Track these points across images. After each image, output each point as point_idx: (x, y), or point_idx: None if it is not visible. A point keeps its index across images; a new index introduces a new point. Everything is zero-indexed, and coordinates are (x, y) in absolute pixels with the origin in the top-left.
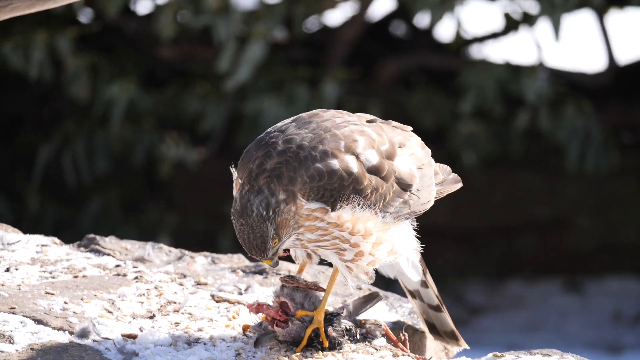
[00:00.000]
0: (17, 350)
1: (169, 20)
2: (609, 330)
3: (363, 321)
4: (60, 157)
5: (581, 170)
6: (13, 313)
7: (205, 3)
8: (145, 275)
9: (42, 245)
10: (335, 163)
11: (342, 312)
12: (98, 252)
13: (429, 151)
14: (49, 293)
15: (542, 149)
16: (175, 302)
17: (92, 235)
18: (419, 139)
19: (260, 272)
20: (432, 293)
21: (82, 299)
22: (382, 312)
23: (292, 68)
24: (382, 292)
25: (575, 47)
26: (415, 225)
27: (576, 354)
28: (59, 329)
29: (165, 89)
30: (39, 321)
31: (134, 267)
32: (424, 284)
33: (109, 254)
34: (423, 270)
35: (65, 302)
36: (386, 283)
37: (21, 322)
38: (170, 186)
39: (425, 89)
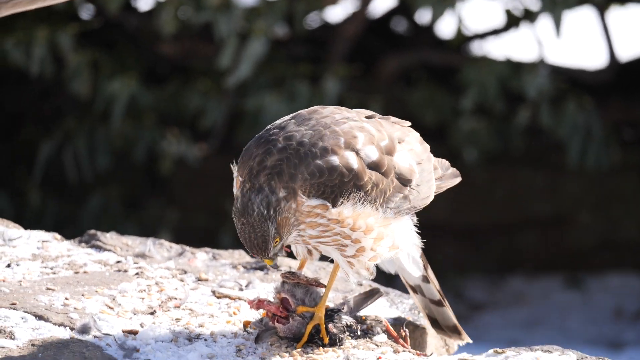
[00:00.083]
0: (18, 346)
1: (170, 17)
2: (610, 326)
3: (364, 317)
4: (61, 153)
5: (582, 167)
6: (14, 309)
7: None
8: (146, 271)
9: (43, 241)
10: (335, 159)
11: (343, 308)
12: (99, 248)
13: (427, 146)
14: (50, 289)
15: (543, 146)
16: (176, 298)
17: (93, 231)
18: (418, 134)
19: (261, 268)
20: (434, 288)
21: (83, 295)
22: (382, 308)
23: (293, 64)
24: (382, 288)
25: (577, 43)
26: (416, 221)
27: (577, 350)
28: (60, 325)
29: (166, 85)
30: (40, 317)
31: (134, 263)
32: (425, 279)
33: (109, 250)
34: (424, 266)
35: (66, 298)
36: (387, 279)
37: (22, 318)
38: (171, 182)
39: (427, 85)
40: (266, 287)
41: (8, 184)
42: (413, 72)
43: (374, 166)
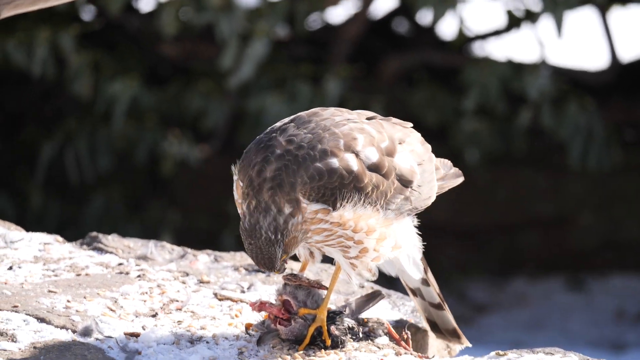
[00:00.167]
0: (19, 349)
1: (171, 18)
2: (612, 328)
3: (365, 319)
4: (62, 155)
5: (584, 168)
6: (16, 311)
7: (207, 0)
8: (148, 273)
9: (45, 244)
10: (335, 162)
11: (345, 311)
12: (101, 250)
13: (429, 147)
14: (51, 291)
15: (545, 146)
16: (177, 301)
17: (94, 234)
18: (419, 135)
19: (263, 270)
20: (434, 291)
21: (84, 297)
22: (384, 311)
23: (295, 65)
24: (384, 291)
25: (578, 44)
26: (417, 222)
27: (579, 352)
28: (62, 328)
29: (168, 87)
30: (41, 319)
31: (136, 265)
32: (425, 282)
33: (111, 252)
34: (424, 269)
35: (68, 301)
36: (388, 281)
37: (24, 321)
38: (172, 184)
39: (428, 86)
40: (268, 289)
41: (9, 185)
42: (414, 72)
43: (374, 168)
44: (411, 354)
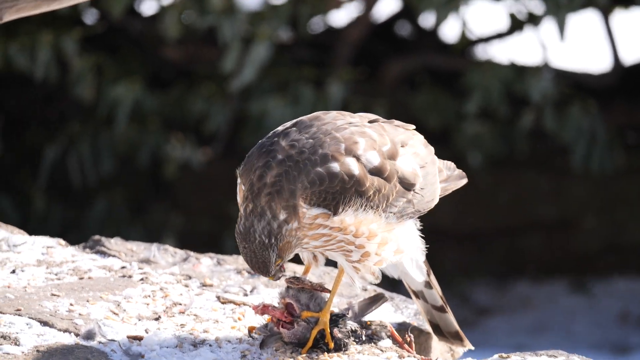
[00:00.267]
0: (23, 352)
1: (173, 21)
2: (616, 330)
3: (369, 322)
4: (65, 158)
5: (587, 170)
6: (19, 315)
7: (210, 4)
8: (151, 276)
9: (48, 247)
10: (336, 166)
11: (348, 313)
12: (103, 254)
13: (432, 149)
14: (54, 295)
15: (548, 149)
16: (180, 304)
17: (97, 237)
18: (422, 137)
19: None
20: (436, 294)
21: (87, 301)
22: (387, 313)
23: (297, 69)
24: (387, 294)
25: (581, 47)
26: (420, 226)
27: (583, 354)
28: (65, 331)
29: (170, 90)
30: (44, 323)
31: (139, 268)
32: (428, 284)
33: (114, 256)
34: (427, 271)
35: (71, 304)
36: (391, 284)
37: (27, 324)
38: (175, 187)
39: (431, 89)
40: (271, 292)
41: (12, 188)
42: (417, 76)
43: (376, 171)
44: (414, 356)
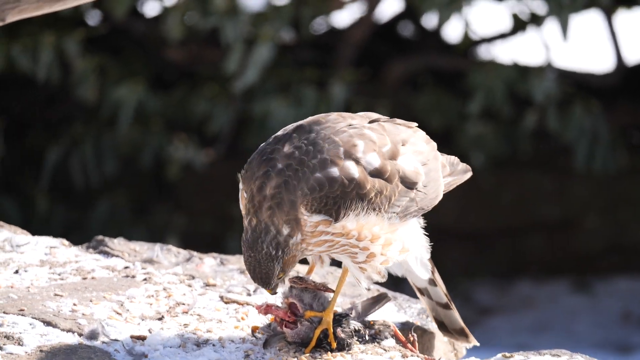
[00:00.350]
0: (26, 352)
1: (176, 22)
2: (618, 330)
3: (372, 322)
4: (68, 159)
5: (589, 170)
6: (22, 315)
7: (212, 5)
8: (154, 276)
9: (51, 247)
10: (335, 171)
11: (351, 313)
12: (107, 254)
13: (434, 145)
14: (58, 295)
15: (551, 149)
16: (184, 304)
17: (100, 237)
18: (424, 133)
19: None
20: (441, 291)
21: (91, 301)
22: (390, 313)
23: (300, 69)
24: (390, 293)
25: (583, 47)
26: (424, 224)
27: (585, 354)
28: (68, 331)
29: (173, 91)
30: (48, 323)
31: (142, 268)
32: (432, 282)
33: (117, 256)
34: (432, 269)
35: (74, 304)
36: (395, 284)
37: (30, 324)
38: (178, 188)
39: (433, 89)
40: None
41: (15, 189)
42: (420, 76)
43: (377, 173)
44: (417, 356)
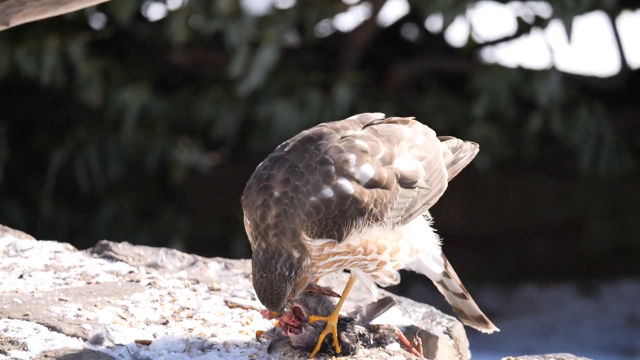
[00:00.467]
0: (30, 357)
1: (180, 26)
2: (624, 334)
3: (376, 326)
4: (73, 163)
5: (594, 173)
6: (27, 320)
7: (217, 8)
8: (159, 281)
9: (56, 252)
10: (328, 192)
11: (356, 317)
12: (111, 258)
13: (433, 134)
14: (62, 299)
15: (555, 152)
16: (188, 308)
17: (105, 242)
18: (421, 125)
19: None
20: (455, 283)
21: (95, 306)
22: (395, 317)
23: (305, 72)
24: (395, 297)
25: (588, 50)
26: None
27: (591, 358)
28: (73, 336)
29: (177, 94)
30: (52, 328)
31: (147, 273)
32: (447, 275)
33: (122, 260)
34: (444, 263)
35: (79, 309)
36: (399, 288)
37: (35, 329)
38: (183, 191)
39: (438, 92)
40: None
41: (20, 193)
42: (424, 79)
43: (373, 184)
44: None
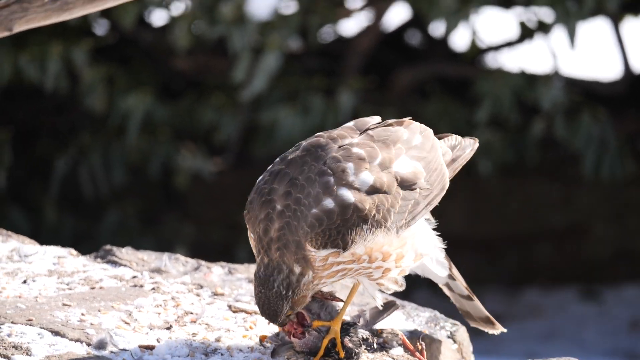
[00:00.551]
0: None
1: (183, 32)
2: (627, 338)
3: (380, 330)
4: (76, 169)
5: (597, 178)
6: (30, 325)
7: (220, 14)
8: (162, 286)
9: (59, 257)
10: (329, 202)
11: (359, 322)
12: (115, 263)
13: (430, 132)
14: (66, 305)
15: (558, 157)
16: (192, 313)
17: (108, 247)
18: (417, 124)
19: None
20: (460, 285)
21: (99, 310)
22: (399, 321)
23: (308, 78)
24: (398, 301)
25: (591, 55)
26: (435, 224)
27: None
28: (77, 341)
29: (181, 100)
30: (56, 333)
31: (150, 278)
32: (451, 277)
33: (125, 265)
34: (449, 266)
35: (83, 314)
36: (403, 292)
37: (38, 334)
38: (186, 197)
39: (441, 98)
40: None
41: (24, 199)
42: (427, 84)
43: (373, 190)
44: None
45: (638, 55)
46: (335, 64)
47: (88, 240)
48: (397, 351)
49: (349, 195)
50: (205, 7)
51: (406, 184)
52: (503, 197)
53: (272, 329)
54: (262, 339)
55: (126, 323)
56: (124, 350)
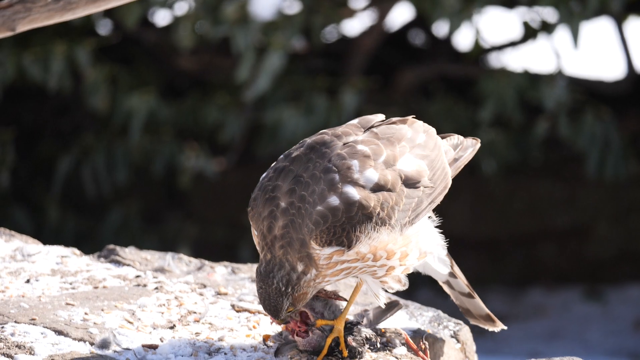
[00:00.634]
0: None
1: (187, 31)
2: (630, 338)
3: (383, 330)
4: (80, 169)
5: (601, 178)
6: (34, 324)
7: (223, 13)
8: (166, 285)
9: (62, 257)
10: (334, 200)
11: (362, 321)
12: (118, 263)
13: (432, 131)
14: (69, 304)
15: (562, 157)
16: (195, 312)
17: (112, 246)
18: (421, 123)
19: None
20: (462, 282)
21: (102, 310)
22: (402, 321)
23: (311, 78)
24: (402, 301)
25: (594, 54)
26: (438, 222)
27: None
28: (80, 340)
29: (184, 100)
30: (59, 332)
31: (154, 277)
32: (453, 275)
33: (129, 265)
34: (450, 264)
35: (86, 313)
36: (406, 292)
37: (42, 333)
38: (190, 197)
39: (444, 97)
40: None
41: (27, 199)
42: (431, 84)
43: (378, 187)
44: None
45: None
46: (339, 64)
47: (91, 239)
48: (401, 350)
49: (354, 192)
50: (208, 7)
51: (410, 182)
52: (506, 197)
53: (275, 328)
54: (266, 338)
55: (129, 322)
56: (127, 349)
